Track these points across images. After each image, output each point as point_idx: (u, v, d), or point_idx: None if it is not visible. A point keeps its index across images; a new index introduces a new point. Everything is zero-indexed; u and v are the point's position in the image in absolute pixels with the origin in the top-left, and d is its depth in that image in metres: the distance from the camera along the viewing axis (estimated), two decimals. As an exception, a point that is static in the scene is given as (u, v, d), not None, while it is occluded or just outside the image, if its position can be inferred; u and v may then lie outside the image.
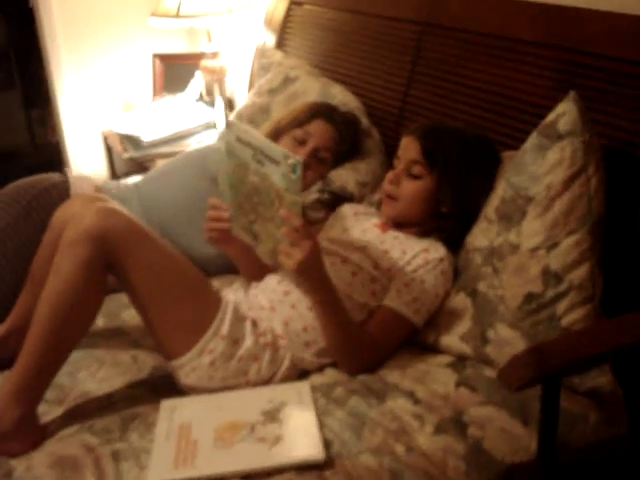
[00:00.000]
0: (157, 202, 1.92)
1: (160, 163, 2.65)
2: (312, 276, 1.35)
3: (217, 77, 3.07)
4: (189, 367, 1.40)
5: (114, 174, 3.49)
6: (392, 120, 2.15)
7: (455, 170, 1.58)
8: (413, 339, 1.56)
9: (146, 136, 2.83)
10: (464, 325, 1.49)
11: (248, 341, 1.44)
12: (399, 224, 1.67)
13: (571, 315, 1.35)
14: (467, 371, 1.44)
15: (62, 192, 1.89)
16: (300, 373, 1.51)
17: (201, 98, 3.27)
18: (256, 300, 1.56)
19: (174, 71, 3.42)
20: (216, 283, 1.69)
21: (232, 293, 1.61)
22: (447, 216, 1.61)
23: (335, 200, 2.00)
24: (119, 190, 1.98)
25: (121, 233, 1.35)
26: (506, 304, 1.41)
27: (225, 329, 1.42)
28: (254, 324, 1.49)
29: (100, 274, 1.35)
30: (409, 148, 1.63)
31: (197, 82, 3.25)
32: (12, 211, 1.79)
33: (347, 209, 1.82)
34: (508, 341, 1.41)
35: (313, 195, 2.01)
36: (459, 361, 1.48)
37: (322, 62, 2.45)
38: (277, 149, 1.20)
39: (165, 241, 1.46)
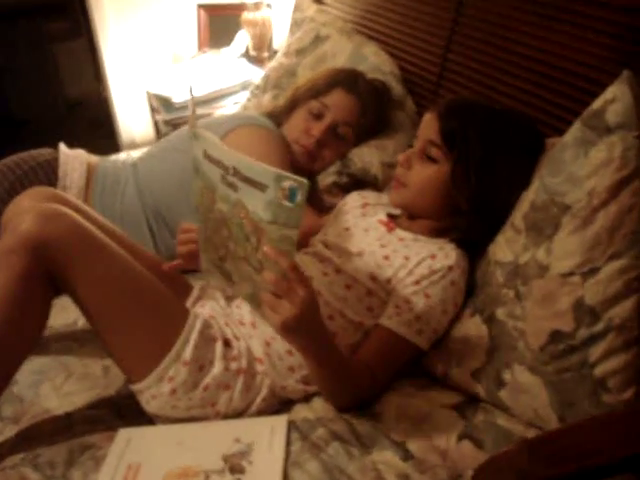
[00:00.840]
0: (152, 182, 1.70)
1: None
2: (303, 335, 1.05)
3: (260, 31, 2.80)
4: (148, 394, 1.21)
5: (158, 135, 3.30)
6: (429, 89, 1.83)
7: (477, 155, 1.29)
8: (420, 367, 1.32)
9: (177, 97, 2.60)
10: (477, 359, 1.21)
11: (217, 367, 1.23)
12: (411, 216, 1.40)
13: (608, 363, 1.05)
14: (476, 418, 1.17)
15: (49, 172, 1.69)
16: (283, 401, 1.29)
17: (247, 54, 2.99)
18: (237, 312, 1.34)
19: (219, 23, 3.15)
20: (200, 282, 1.46)
21: (210, 302, 1.38)
22: (464, 212, 1.31)
23: (355, 184, 1.72)
24: (115, 169, 1.77)
25: (63, 241, 1.14)
26: (527, 341, 1.12)
27: (188, 354, 1.21)
28: (227, 345, 1.27)
29: (40, 287, 1.15)
30: (428, 126, 1.35)
31: (242, 36, 2.97)
32: (-8, 194, 1.60)
33: (354, 199, 1.54)
34: (526, 388, 1.12)
35: (330, 178, 1.74)
36: (469, 403, 1.22)
37: (359, 17, 2.14)
38: (264, 169, 0.88)
39: (120, 251, 1.23)
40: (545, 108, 1.47)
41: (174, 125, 2.64)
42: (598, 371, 1.05)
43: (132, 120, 3.36)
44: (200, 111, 2.60)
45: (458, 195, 1.30)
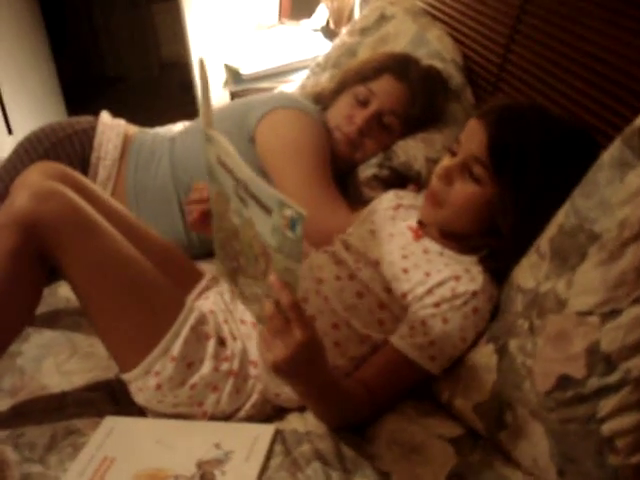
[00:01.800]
0: (187, 159, 1.65)
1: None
2: (294, 378, 0.97)
3: (339, 4, 2.69)
4: (135, 386, 1.18)
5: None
6: (488, 80, 1.68)
7: (534, 183, 1.13)
8: (428, 388, 1.21)
9: (246, 68, 2.54)
10: (482, 392, 1.10)
11: (206, 367, 1.17)
12: (441, 231, 1.26)
13: (618, 420, 0.91)
14: (472, 457, 1.07)
15: (84, 141, 1.67)
16: (276, 408, 1.22)
17: (327, 28, 2.89)
18: (241, 309, 1.27)
19: (302, -6, 3.06)
20: (208, 275, 1.40)
21: (216, 295, 1.31)
22: (502, 237, 1.17)
23: (396, 178, 1.61)
24: (153, 142, 1.73)
25: (55, 221, 1.12)
26: (534, 382, 1.00)
27: (176, 349, 1.16)
28: (221, 344, 1.21)
29: (32, 265, 1.15)
30: (473, 137, 1.18)
31: (323, 9, 2.87)
32: (27, 160, 1.60)
33: (389, 199, 1.43)
34: (527, 434, 1.01)
35: (370, 170, 1.63)
36: (469, 437, 1.12)
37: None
38: (268, 191, 0.79)
39: (118, 236, 1.20)
40: (603, 115, 1.30)
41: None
42: (606, 428, 0.92)
43: (215, 85, 3.32)
44: (265, 84, 2.53)
45: (502, 222, 1.16)
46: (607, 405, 0.91)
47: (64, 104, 3.55)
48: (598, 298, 0.94)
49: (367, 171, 1.62)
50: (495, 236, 1.19)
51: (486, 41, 1.69)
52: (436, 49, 1.77)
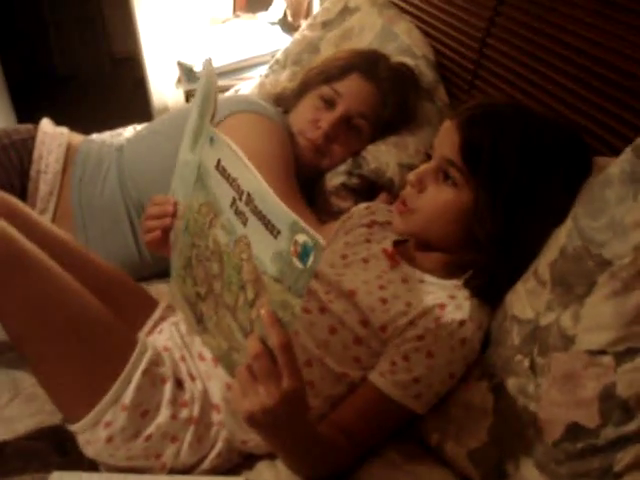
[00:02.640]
0: (136, 171, 1.49)
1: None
2: (270, 432, 0.84)
3: (297, -5, 2.54)
4: (83, 438, 1.02)
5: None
6: (464, 78, 1.55)
7: (509, 182, 1.01)
8: (413, 430, 1.07)
9: (200, 65, 2.37)
10: (477, 437, 0.97)
11: (162, 415, 1.02)
12: (419, 246, 1.14)
13: (636, 475, 0.79)
14: (466, 513, 0.92)
15: (22, 153, 1.49)
16: (243, 455, 1.08)
17: (284, 20, 2.73)
18: (198, 343, 1.11)
19: (258, -16, 2.90)
20: (162, 304, 1.24)
21: (168, 328, 1.16)
22: (485, 249, 1.04)
23: (367, 186, 1.47)
24: (99, 152, 1.56)
25: None
26: (539, 430, 0.88)
27: (129, 396, 1.00)
28: (179, 386, 1.06)
29: None
30: (446, 140, 1.07)
31: (280, 1, 2.72)
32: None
33: (361, 214, 1.29)
34: (532, 489, 0.87)
35: (338, 178, 1.49)
36: (462, 489, 0.97)
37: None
38: (280, 209, 0.68)
39: (58, 270, 1.05)
40: (594, 115, 1.18)
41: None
42: (624, 485, 0.79)
43: (163, 85, 3.14)
44: (221, 82, 2.36)
45: (479, 229, 1.03)
46: (624, 458, 0.79)
47: (12, 105, 3.34)
48: (611, 335, 0.82)
49: (335, 179, 1.48)
50: (477, 251, 1.06)
51: (460, 35, 1.56)
52: (406, 44, 1.64)
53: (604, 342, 0.82)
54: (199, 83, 0.91)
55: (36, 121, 1.61)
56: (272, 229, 0.69)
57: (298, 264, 0.66)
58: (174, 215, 0.98)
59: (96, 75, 4.38)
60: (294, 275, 0.67)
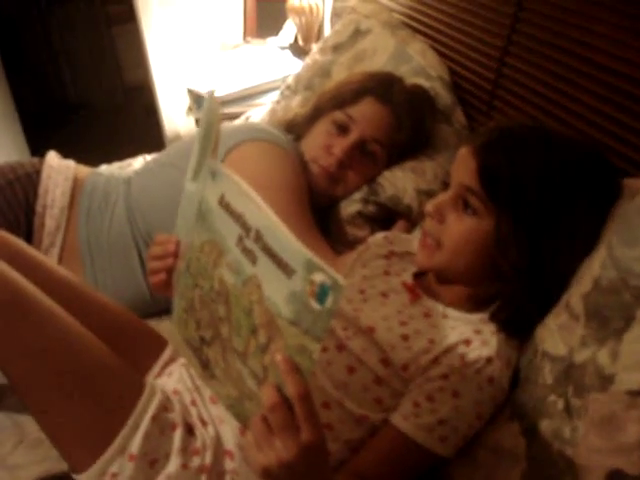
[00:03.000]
0: (144, 203, 1.45)
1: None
2: None
3: (307, 20, 2.51)
4: None
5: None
6: (482, 98, 1.49)
7: (531, 208, 0.95)
8: (437, 475, 1.00)
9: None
10: (509, 485, 0.88)
11: (173, 464, 0.96)
12: (441, 279, 1.07)
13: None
14: None
15: (28, 188, 1.45)
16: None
17: (295, 45, 2.70)
18: (210, 386, 1.04)
19: (268, 10, 2.88)
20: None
21: (178, 370, 1.11)
22: (510, 280, 0.98)
23: (384, 214, 1.42)
24: (106, 185, 1.52)
25: None
26: (577, 478, 0.80)
27: (136, 445, 0.95)
28: (190, 432, 1.00)
29: None
30: (463, 166, 1.01)
31: (291, 25, 2.69)
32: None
33: (379, 244, 1.23)
34: None
35: (354, 206, 1.44)
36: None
37: (407, 8, 1.80)
38: (293, 245, 0.63)
39: (61, 313, 1.00)
40: (621, 135, 1.11)
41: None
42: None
43: (175, 113, 3.12)
44: (232, 109, 2.34)
45: (502, 259, 0.97)
46: (673, 510, 0.72)
47: (24, 136, 3.34)
48: (655, 375, 0.74)
49: (350, 207, 1.43)
50: (502, 282, 0.99)
51: (476, 54, 1.50)
52: (420, 65, 1.59)
53: (648, 382, 0.75)
54: (202, 114, 0.86)
55: (49, 151, 1.57)
56: (285, 268, 0.63)
57: (315, 305, 0.61)
58: (176, 255, 0.92)
59: (108, 104, 4.38)
60: (311, 317, 0.62)
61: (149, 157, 1.95)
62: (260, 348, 0.70)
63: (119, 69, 4.45)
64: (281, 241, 0.64)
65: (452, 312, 1.03)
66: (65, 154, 1.61)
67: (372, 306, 1.07)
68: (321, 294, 0.60)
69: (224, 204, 0.73)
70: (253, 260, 0.68)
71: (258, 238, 0.67)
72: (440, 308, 1.04)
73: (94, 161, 1.78)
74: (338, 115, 1.43)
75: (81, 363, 0.98)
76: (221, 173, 0.74)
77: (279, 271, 0.64)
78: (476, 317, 1.02)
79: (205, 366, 0.85)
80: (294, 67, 2.29)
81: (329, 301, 0.59)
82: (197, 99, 2.38)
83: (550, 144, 0.99)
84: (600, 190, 0.98)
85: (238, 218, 0.70)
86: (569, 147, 1.00)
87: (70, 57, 4.27)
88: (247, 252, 0.69)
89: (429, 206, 1.04)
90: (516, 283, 0.97)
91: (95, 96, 4.40)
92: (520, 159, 0.95)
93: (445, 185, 1.07)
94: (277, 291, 0.65)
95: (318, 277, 0.59)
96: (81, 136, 3.78)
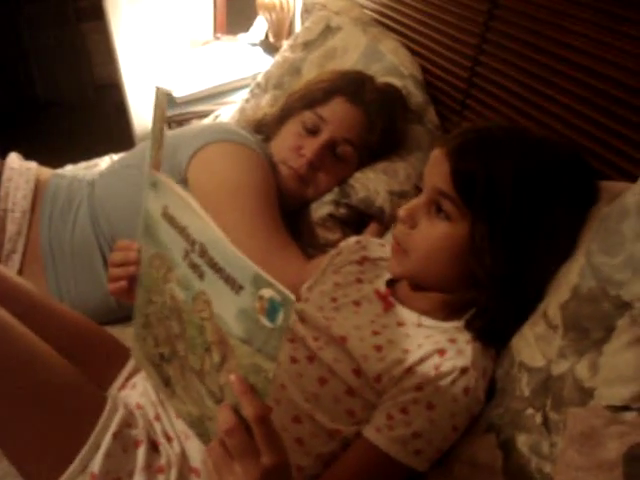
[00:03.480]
0: (108, 206, 1.39)
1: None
2: None
3: (277, 16, 2.46)
4: None
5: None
6: (455, 98, 1.45)
7: (506, 213, 0.92)
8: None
9: (179, 90, 2.28)
10: (486, 501, 0.85)
11: None
12: (415, 286, 1.03)
13: None
14: None
15: (-14, 189, 1.39)
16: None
17: (266, 42, 2.65)
18: (175, 398, 0.99)
19: (238, 6, 2.82)
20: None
21: (142, 382, 1.06)
22: (485, 287, 0.94)
23: (355, 216, 1.38)
24: (69, 187, 1.46)
25: None
26: (556, 496, 0.76)
27: (97, 464, 0.90)
28: (154, 449, 0.96)
29: None
30: (436, 169, 0.97)
31: (261, 22, 2.64)
32: None
33: (351, 249, 1.19)
34: None
35: (325, 208, 1.39)
36: None
37: (379, 4, 1.76)
38: (240, 260, 0.59)
39: (16, 326, 0.95)
40: (600, 137, 1.09)
41: (176, 123, 2.34)
42: None
43: (145, 111, 3.05)
44: (202, 107, 2.28)
45: (477, 265, 0.94)
46: (656, 530, 0.69)
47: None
48: (635, 388, 0.73)
49: (321, 210, 1.39)
50: (476, 289, 0.96)
51: (450, 52, 1.47)
52: (392, 63, 1.55)
53: (627, 396, 0.72)
54: (152, 113, 0.81)
55: (20, 150, 1.52)
56: (233, 284, 0.60)
57: (266, 323, 0.57)
58: (138, 262, 0.87)
59: (79, 102, 4.30)
60: (263, 335, 0.58)
61: (116, 157, 1.89)
62: (215, 367, 0.67)
63: (89, 66, 4.37)
64: (227, 255, 0.60)
65: (427, 320, 1.00)
66: (34, 152, 1.56)
67: (344, 315, 1.03)
68: (271, 311, 0.56)
69: (168, 216, 0.69)
70: (200, 275, 0.64)
71: (203, 252, 0.63)
72: (414, 317, 1.01)
73: (63, 160, 1.72)
74: (308, 115, 1.39)
75: (39, 380, 0.93)
76: (162, 183, 0.70)
77: (227, 287, 0.60)
78: (451, 325, 0.98)
79: (166, 383, 0.82)
80: (265, 64, 2.24)
81: (280, 318, 0.56)
82: (167, 97, 2.32)
83: (526, 147, 0.96)
84: (579, 193, 0.95)
85: (182, 231, 0.66)
86: (546, 149, 0.97)
87: (40, 54, 4.19)
88: (194, 267, 0.65)
89: (401, 211, 1.00)
90: (492, 290, 0.94)
91: (65, 94, 4.32)
92: (496, 162, 0.92)
93: (418, 189, 1.02)
94: (226, 308, 0.62)
95: (267, 293, 0.56)
96: (52, 134, 3.71)
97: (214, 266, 0.62)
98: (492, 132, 0.98)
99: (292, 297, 0.55)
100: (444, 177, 0.94)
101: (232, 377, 0.63)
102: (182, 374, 0.76)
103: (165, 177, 0.70)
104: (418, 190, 1.02)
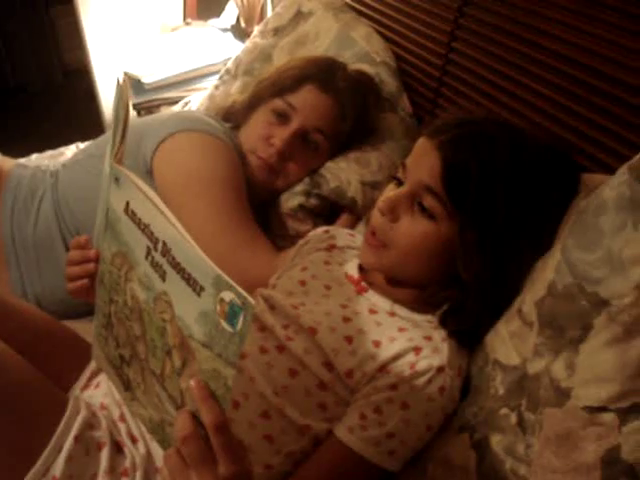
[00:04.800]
0: (71, 198, 1.34)
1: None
2: None
3: (249, 1, 2.41)
4: None
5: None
6: (429, 85, 1.42)
7: (501, 220, 0.88)
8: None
9: (148, 77, 2.22)
10: (460, 503, 0.83)
11: None
12: (388, 280, 1.00)
13: None
14: None
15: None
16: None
17: (237, 27, 2.59)
18: (139, 398, 0.96)
19: (210, -10, 2.77)
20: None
21: (106, 381, 1.03)
22: (466, 287, 0.91)
23: (327, 207, 1.34)
24: (33, 179, 1.41)
25: None
26: (532, 500, 0.74)
27: (59, 468, 0.86)
28: (118, 451, 0.93)
29: None
30: (423, 161, 0.93)
31: (232, 7, 2.58)
32: None
33: (318, 239, 1.16)
34: None
35: (295, 199, 1.36)
36: None
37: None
38: (201, 261, 0.56)
39: None
40: (577, 128, 1.06)
41: (145, 110, 2.28)
42: None
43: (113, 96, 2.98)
44: (171, 94, 2.23)
45: (464, 269, 0.91)
46: (635, 535, 0.67)
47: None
48: (614, 389, 0.70)
49: (292, 201, 1.35)
50: (457, 287, 0.93)
51: (423, 39, 1.43)
52: (364, 50, 1.51)
53: (605, 397, 0.70)
54: (113, 102, 0.77)
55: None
56: (194, 285, 0.57)
57: (226, 327, 0.55)
58: (97, 259, 0.83)
59: (48, 87, 4.23)
60: (223, 340, 0.56)
61: (82, 145, 1.84)
62: (176, 371, 0.64)
63: (58, 51, 4.29)
64: (188, 255, 0.57)
65: (399, 310, 0.97)
66: (2, 140, 1.50)
67: (314, 299, 1.00)
68: (231, 315, 0.54)
69: (130, 213, 0.66)
70: (162, 275, 0.61)
71: (166, 251, 0.60)
72: (387, 305, 0.98)
73: (32, 147, 1.67)
74: (278, 103, 1.34)
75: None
76: (125, 178, 0.66)
77: (188, 288, 0.58)
78: (424, 319, 0.96)
79: (127, 387, 0.78)
80: (236, 50, 2.19)
81: (240, 322, 0.54)
82: (134, 83, 2.27)
83: (521, 147, 0.92)
84: (566, 194, 0.92)
85: (144, 228, 0.63)
86: (540, 151, 0.93)
87: (8, 39, 4.10)
88: (156, 266, 0.62)
89: (381, 202, 0.96)
90: (472, 290, 0.91)
91: (34, 79, 4.24)
92: (492, 163, 0.88)
93: (394, 179, 0.98)
94: (188, 310, 0.59)
95: (228, 296, 0.54)
96: (19, 119, 3.64)
97: (176, 266, 0.59)
98: (488, 128, 0.93)
99: (253, 302, 0.52)
100: (433, 172, 0.90)
101: (192, 382, 0.60)
102: (143, 377, 0.72)
103: (128, 171, 0.67)
104: (393, 179, 0.98)
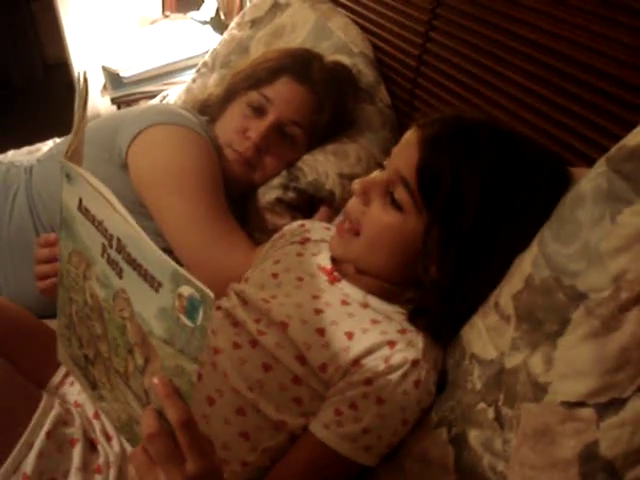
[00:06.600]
0: (46, 193, 1.32)
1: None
2: None
3: (229, -7, 2.39)
4: None
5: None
6: (406, 76, 1.40)
7: (467, 224, 0.86)
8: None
9: (126, 70, 2.19)
10: (438, 499, 0.81)
11: None
12: (359, 269, 0.99)
13: None
14: None
15: None
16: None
17: (217, 19, 2.57)
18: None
19: (189, -18, 2.74)
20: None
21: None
22: (432, 286, 0.89)
23: (305, 201, 1.32)
24: (7, 175, 1.39)
25: None
26: (510, 497, 0.72)
27: (30, 465, 0.85)
28: (92, 449, 0.91)
29: None
30: (404, 152, 0.92)
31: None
32: None
33: (293, 232, 1.15)
34: None
35: (273, 192, 1.34)
36: None
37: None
38: (157, 256, 0.55)
39: None
40: (553, 116, 1.04)
41: (125, 104, 2.25)
42: None
43: (94, 92, 2.94)
44: (150, 88, 2.20)
45: (422, 271, 0.89)
46: (612, 531, 0.66)
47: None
48: (592, 384, 0.68)
49: (269, 194, 1.33)
50: (420, 288, 0.92)
51: (401, 29, 1.41)
52: (341, 41, 1.49)
53: (583, 392, 0.69)
54: (76, 97, 0.75)
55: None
56: (152, 281, 0.56)
57: (187, 322, 0.54)
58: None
59: (29, 82, 4.20)
60: (184, 335, 0.55)
61: (58, 140, 1.81)
62: (139, 369, 0.63)
63: (39, 45, 4.26)
64: (144, 251, 0.56)
65: (373, 301, 0.96)
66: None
67: (286, 291, 0.98)
68: (191, 309, 0.53)
69: (83, 210, 0.64)
70: (119, 272, 0.60)
71: (120, 248, 0.59)
72: (360, 295, 0.97)
73: (13, 143, 1.64)
74: (253, 96, 1.33)
75: None
76: (76, 175, 0.64)
77: (146, 284, 0.57)
78: (399, 310, 0.95)
79: (94, 386, 0.77)
80: (215, 43, 2.16)
81: (200, 316, 0.53)
82: (113, 77, 2.24)
83: (505, 151, 0.89)
84: (550, 199, 0.87)
85: (98, 225, 0.62)
86: (528, 158, 0.90)
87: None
88: (113, 263, 0.61)
89: (356, 183, 0.94)
90: (432, 296, 0.90)
91: (14, 74, 4.21)
92: (467, 165, 0.86)
93: (379, 166, 0.97)
94: (146, 307, 0.58)
95: (186, 290, 0.53)
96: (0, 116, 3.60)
97: (132, 262, 0.58)
98: (472, 127, 0.91)
99: (211, 295, 0.52)
100: (410, 165, 0.89)
101: (155, 380, 0.60)
102: (108, 377, 0.71)
103: (78, 167, 0.65)
104: (380, 167, 0.97)
